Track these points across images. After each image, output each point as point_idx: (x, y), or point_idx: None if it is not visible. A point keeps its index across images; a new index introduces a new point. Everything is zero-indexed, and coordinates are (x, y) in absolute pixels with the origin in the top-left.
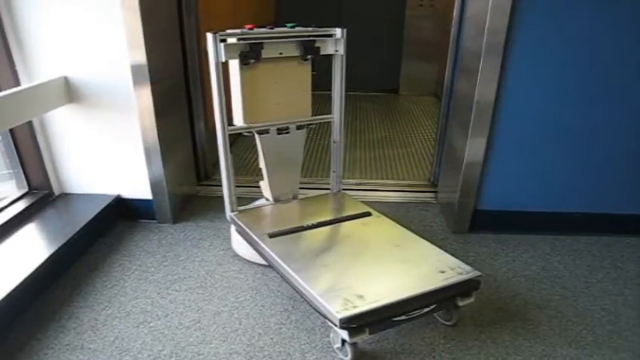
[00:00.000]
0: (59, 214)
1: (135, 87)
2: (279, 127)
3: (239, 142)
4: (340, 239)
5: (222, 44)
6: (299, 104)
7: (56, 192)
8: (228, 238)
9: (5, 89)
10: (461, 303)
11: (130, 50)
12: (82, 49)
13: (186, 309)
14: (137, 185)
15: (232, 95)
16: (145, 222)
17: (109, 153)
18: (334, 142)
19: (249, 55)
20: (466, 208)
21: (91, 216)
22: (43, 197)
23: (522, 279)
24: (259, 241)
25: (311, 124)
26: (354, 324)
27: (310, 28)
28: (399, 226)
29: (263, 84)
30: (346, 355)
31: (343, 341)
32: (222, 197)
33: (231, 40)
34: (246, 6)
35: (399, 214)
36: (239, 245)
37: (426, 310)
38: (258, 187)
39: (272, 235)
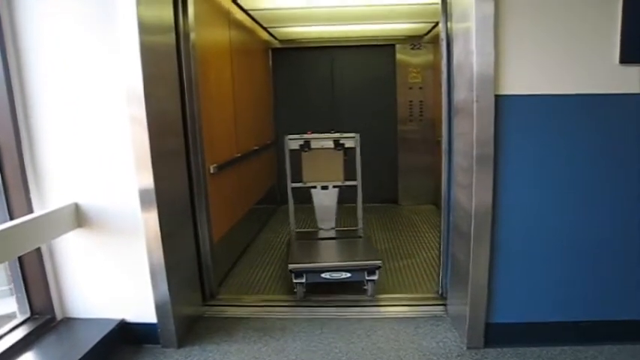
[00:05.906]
0: (61, 340)
1: (142, 210)
2: (322, 185)
3: (244, 259)
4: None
5: (289, 141)
6: (334, 174)
7: (59, 316)
8: None
9: (19, 216)
10: None
11: (138, 172)
12: (93, 175)
13: None
14: (141, 308)
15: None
16: (149, 346)
17: (114, 276)
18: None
19: (303, 146)
20: (478, 321)
21: (93, 343)
22: (44, 322)
23: None
24: (292, 235)
25: (341, 186)
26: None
27: (339, 134)
28: None
29: (314, 161)
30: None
31: (295, 283)
32: (229, 318)
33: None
34: (246, 130)
35: (409, 330)
36: None
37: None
38: (264, 306)
39: (297, 231)
